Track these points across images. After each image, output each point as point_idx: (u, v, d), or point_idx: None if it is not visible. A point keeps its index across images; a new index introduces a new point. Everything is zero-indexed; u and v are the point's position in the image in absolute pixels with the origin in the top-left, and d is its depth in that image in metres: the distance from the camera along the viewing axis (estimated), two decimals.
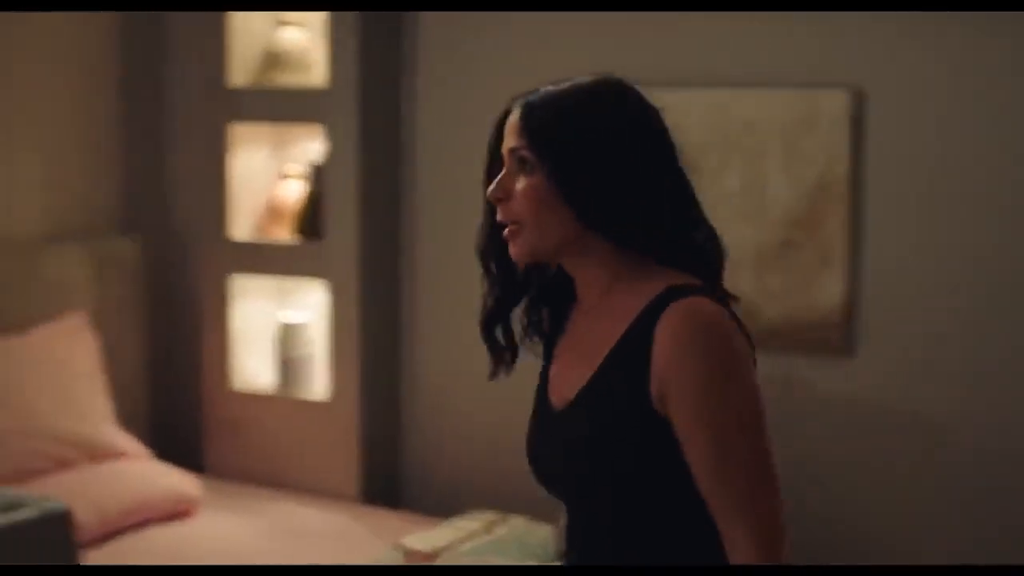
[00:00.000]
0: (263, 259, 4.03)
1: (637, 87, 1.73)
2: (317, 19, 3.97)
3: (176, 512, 3.59)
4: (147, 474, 3.62)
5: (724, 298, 1.68)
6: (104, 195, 4.22)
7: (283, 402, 4.02)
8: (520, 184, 1.69)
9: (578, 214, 1.67)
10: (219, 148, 4.02)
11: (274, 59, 4.00)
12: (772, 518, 1.60)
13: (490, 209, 1.76)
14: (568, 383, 1.72)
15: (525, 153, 1.69)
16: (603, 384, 1.66)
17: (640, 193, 1.66)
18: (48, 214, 4.04)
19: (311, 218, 3.94)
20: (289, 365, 4.02)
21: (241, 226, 4.08)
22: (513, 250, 1.71)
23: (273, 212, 4.06)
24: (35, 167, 4.01)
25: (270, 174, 4.13)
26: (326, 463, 3.94)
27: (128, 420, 3.99)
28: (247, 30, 4.02)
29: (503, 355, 1.80)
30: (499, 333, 1.80)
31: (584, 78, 1.73)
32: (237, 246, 4.05)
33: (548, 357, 1.81)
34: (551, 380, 1.77)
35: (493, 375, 1.82)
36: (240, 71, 4.01)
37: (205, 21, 4.02)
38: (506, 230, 1.71)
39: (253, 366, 4.14)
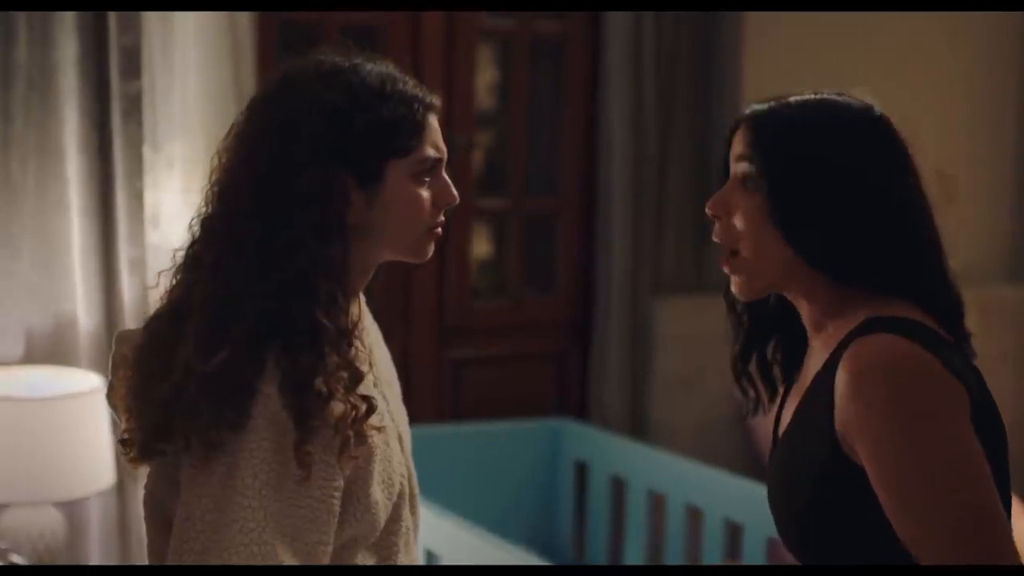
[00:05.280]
0: None
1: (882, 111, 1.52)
2: None
3: None
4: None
5: (932, 335, 1.44)
6: (993, 238, 3.98)
7: None
8: (740, 203, 1.50)
9: (794, 247, 1.46)
10: None
11: None
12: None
13: None
14: (785, 419, 1.60)
15: (746, 166, 1.50)
16: (798, 425, 1.52)
17: (869, 230, 1.45)
18: None
19: None
20: None
21: None
22: (733, 286, 1.54)
23: None
24: None
25: None
26: None
27: None
28: None
29: (758, 394, 1.63)
30: (752, 370, 1.62)
31: (828, 92, 1.53)
32: None
33: (788, 387, 1.64)
34: (781, 414, 1.63)
35: (751, 414, 1.65)
36: None
37: None
38: (725, 262, 1.53)
39: None
